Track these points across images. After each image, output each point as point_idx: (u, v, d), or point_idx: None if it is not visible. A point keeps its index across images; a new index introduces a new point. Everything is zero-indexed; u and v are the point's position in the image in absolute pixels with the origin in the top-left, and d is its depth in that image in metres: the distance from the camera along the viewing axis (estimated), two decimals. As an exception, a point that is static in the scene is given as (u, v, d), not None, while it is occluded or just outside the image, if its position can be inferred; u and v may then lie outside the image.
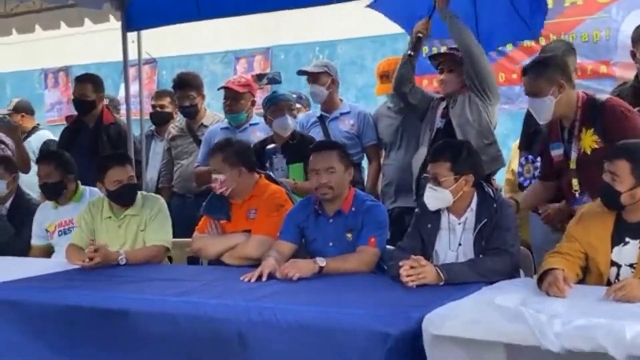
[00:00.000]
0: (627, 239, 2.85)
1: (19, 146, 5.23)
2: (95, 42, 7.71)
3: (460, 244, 3.16)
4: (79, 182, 4.34)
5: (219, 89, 4.88)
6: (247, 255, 3.62)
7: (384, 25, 7.31)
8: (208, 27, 5.78)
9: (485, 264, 2.98)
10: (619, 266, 2.85)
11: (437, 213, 3.21)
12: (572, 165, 3.39)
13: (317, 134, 4.69)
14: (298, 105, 5.31)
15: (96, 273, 3.50)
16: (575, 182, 3.39)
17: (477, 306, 2.51)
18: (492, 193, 3.19)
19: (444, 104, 4.24)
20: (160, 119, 5.50)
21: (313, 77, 4.80)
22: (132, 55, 5.29)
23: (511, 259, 3.06)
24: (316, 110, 5.01)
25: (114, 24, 5.17)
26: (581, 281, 2.91)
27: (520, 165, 4.00)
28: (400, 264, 2.94)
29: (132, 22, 4.87)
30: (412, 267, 2.90)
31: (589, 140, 3.34)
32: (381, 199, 4.55)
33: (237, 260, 3.64)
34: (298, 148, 4.34)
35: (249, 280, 3.13)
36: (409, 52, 4.22)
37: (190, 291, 2.98)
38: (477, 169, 3.20)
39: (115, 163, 3.90)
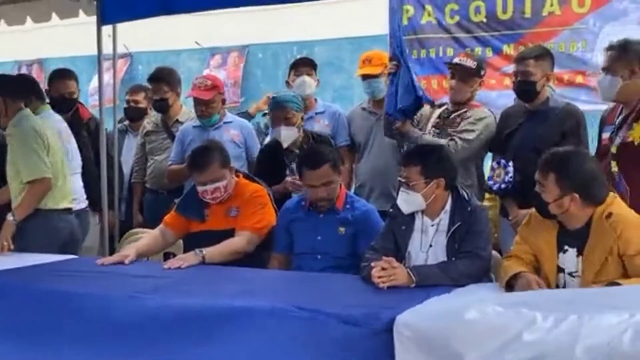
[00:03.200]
0: (565, 247, 2.88)
1: None
2: (71, 35, 7.61)
3: (431, 245, 3.16)
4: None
5: (187, 97, 4.78)
6: (238, 249, 3.57)
7: (362, 27, 7.37)
8: (186, 23, 5.74)
9: (457, 268, 2.98)
10: (563, 272, 2.88)
11: (412, 215, 3.22)
12: (613, 150, 3.46)
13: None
14: None
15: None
16: (614, 163, 3.43)
17: (448, 308, 2.49)
18: (466, 197, 3.20)
19: (437, 113, 4.22)
20: (134, 114, 5.44)
21: (307, 69, 4.81)
22: (108, 49, 5.22)
23: (482, 263, 3.07)
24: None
25: (83, 19, 5.09)
26: None
27: (492, 169, 4.00)
28: (372, 264, 2.93)
29: (107, 16, 4.80)
30: (383, 269, 2.89)
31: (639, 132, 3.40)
32: None
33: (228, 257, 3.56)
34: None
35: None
36: None
37: (162, 288, 2.96)
38: (448, 172, 3.19)
39: None
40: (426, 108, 4.36)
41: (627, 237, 2.72)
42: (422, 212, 3.20)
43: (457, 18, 6.71)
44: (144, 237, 3.83)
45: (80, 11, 5.02)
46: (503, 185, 3.91)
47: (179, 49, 8.33)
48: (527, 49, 4.33)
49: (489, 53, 6.60)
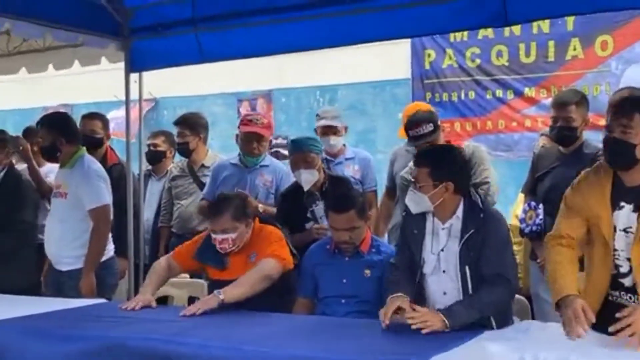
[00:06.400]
0: (622, 203, 2.77)
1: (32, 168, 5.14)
2: (98, 81, 7.76)
3: (442, 250, 3.09)
4: (80, 148, 4.51)
5: (247, 133, 4.62)
6: (260, 277, 3.46)
7: (384, 71, 7.45)
8: (211, 68, 5.83)
9: (482, 300, 2.94)
10: (615, 230, 2.77)
11: (423, 218, 3.15)
12: None
13: None
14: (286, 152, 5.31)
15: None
16: None
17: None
18: (480, 202, 3.12)
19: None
20: (153, 158, 5.49)
21: (333, 130, 4.86)
22: (133, 95, 5.31)
23: (510, 287, 3.02)
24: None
25: (110, 65, 5.21)
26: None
27: (524, 211, 3.97)
28: (392, 310, 2.91)
29: (135, 64, 4.89)
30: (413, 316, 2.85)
31: None
32: (388, 241, 4.52)
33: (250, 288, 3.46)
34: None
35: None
36: None
37: (183, 332, 2.96)
38: (459, 177, 3.09)
39: None
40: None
41: None
42: (433, 214, 3.13)
43: (478, 61, 6.79)
44: (152, 275, 3.73)
45: (103, 58, 5.14)
46: (534, 228, 3.88)
47: (204, 94, 8.45)
48: (565, 93, 4.26)
49: (510, 95, 6.66)
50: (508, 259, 3.05)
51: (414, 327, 2.82)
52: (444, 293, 3.08)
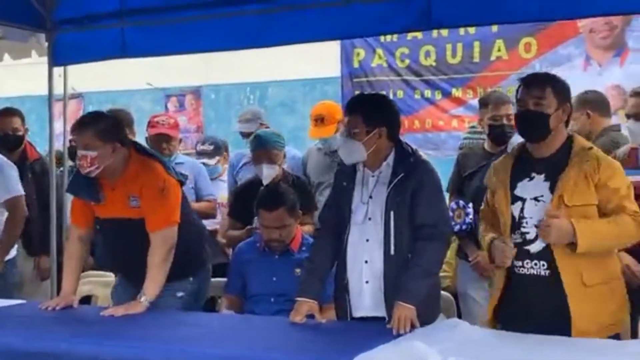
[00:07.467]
0: (533, 174, 2.87)
1: None
2: (21, 74, 7.53)
3: (371, 197, 3.08)
4: None
5: (155, 135, 4.71)
6: (163, 258, 3.31)
7: (315, 69, 7.47)
8: (139, 63, 5.73)
9: (430, 261, 2.97)
10: (523, 200, 2.86)
11: (354, 170, 3.14)
12: None
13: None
14: (217, 158, 5.28)
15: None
16: None
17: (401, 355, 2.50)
18: (410, 150, 3.14)
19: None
20: (75, 153, 5.32)
21: (247, 134, 4.90)
22: (59, 89, 5.16)
23: (446, 240, 3.09)
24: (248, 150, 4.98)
25: (36, 59, 5.07)
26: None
27: (451, 210, 3.98)
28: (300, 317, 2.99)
29: (59, 57, 4.74)
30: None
31: None
32: None
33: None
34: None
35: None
36: None
37: (106, 333, 2.90)
38: (391, 122, 3.10)
39: None
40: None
41: (610, 173, 2.77)
42: (364, 165, 3.12)
43: (407, 62, 6.87)
44: (68, 263, 3.55)
45: (33, 51, 4.99)
46: (464, 227, 3.90)
47: (131, 89, 8.30)
48: (496, 93, 4.38)
49: (438, 96, 6.77)
50: (442, 209, 3.11)
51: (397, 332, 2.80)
52: (367, 240, 3.06)
